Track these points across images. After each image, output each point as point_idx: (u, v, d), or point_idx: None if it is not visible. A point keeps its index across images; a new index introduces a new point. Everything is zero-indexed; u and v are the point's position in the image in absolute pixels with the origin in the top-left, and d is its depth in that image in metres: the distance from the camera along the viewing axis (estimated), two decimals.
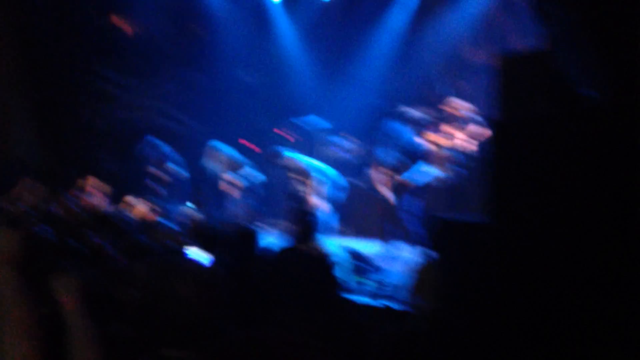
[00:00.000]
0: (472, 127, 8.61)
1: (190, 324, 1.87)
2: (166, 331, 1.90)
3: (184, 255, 3.69)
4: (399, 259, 6.78)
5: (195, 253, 3.77)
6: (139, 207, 6.28)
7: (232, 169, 8.48)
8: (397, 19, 10.92)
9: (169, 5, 12.06)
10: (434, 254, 4.23)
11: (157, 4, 11.83)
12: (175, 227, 5.28)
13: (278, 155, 7.61)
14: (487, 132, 8.45)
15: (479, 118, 8.68)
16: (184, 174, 9.28)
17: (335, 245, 5.13)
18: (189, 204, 5.97)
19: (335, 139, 10.12)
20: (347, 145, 10.11)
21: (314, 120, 10.34)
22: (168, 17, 12.15)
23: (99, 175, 8.76)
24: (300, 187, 7.59)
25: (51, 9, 10.53)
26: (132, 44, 12.03)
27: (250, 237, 3.23)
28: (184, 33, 12.48)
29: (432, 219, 4.30)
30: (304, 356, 1.29)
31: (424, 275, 4.23)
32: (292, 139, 10.47)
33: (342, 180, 8.40)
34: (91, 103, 11.44)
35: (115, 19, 12.00)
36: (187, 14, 12.20)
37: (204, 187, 6.08)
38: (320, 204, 7.33)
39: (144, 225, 5.03)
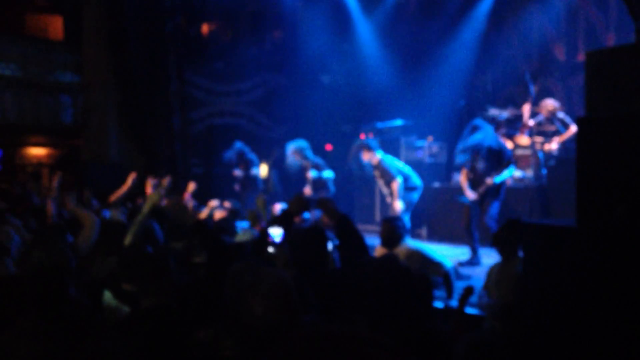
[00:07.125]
0: (561, 127, 8.28)
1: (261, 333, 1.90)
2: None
3: (263, 259, 3.68)
4: (483, 265, 6.59)
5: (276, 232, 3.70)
6: (220, 211, 6.43)
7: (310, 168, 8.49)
8: (479, 15, 10.59)
9: (253, 14, 12.36)
10: (510, 255, 4.12)
11: (241, 12, 12.14)
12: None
13: (366, 149, 7.43)
14: (575, 131, 8.09)
15: (568, 117, 8.33)
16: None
17: (427, 249, 5.01)
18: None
19: (422, 142, 9.99)
20: (434, 149, 9.94)
21: (400, 124, 10.22)
22: (252, 25, 12.45)
23: (188, 179, 9.09)
24: (385, 190, 7.49)
25: (142, 19, 10.98)
26: (219, 51, 12.40)
27: (321, 237, 3.21)
28: (267, 39, 12.75)
29: (514, 222, 4.17)
30: (379, 355, 1.25)
31: (499, 276, 4.12)
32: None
33: (428, 185, 8.26)
34: (182, 109, 11.87)
35: (204, 28, 12.41)
36: (270, 20, 12.45)
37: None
38: (403, 208, 7.20)
39: (222, 226, 5.12)
